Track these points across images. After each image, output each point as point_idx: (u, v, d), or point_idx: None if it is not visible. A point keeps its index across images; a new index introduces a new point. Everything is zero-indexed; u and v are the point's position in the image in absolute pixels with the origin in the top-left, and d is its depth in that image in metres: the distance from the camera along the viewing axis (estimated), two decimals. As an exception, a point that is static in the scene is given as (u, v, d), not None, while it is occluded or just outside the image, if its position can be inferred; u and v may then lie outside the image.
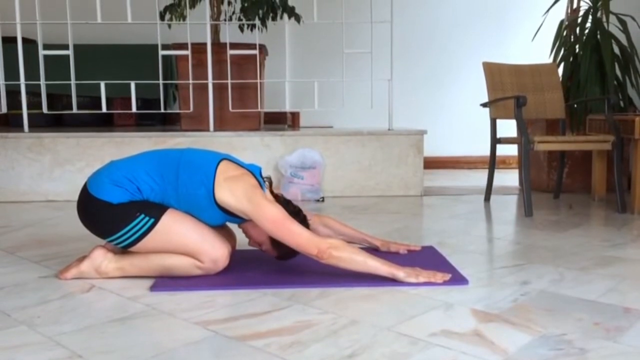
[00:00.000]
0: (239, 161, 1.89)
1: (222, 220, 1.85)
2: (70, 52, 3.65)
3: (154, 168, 1.80)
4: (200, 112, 3.78)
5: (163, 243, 1.77)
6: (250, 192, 1.75)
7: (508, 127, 3.69)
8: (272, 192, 1.90)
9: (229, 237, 1.97)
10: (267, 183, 1.90)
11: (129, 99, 3.74)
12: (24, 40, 3.69)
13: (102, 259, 1.82)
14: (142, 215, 1.75)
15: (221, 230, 1.93)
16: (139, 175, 1.78)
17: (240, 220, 1.85)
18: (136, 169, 1.80)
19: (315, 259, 1.72)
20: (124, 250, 1.95)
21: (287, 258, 1.90)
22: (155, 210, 1.76)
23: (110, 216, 1.76)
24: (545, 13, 3.97)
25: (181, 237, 1.76)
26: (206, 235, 1.79)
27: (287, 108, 4.12)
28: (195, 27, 3.83)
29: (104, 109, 3.76)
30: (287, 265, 1.97)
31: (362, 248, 2.00)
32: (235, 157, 1.94)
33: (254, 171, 1.87)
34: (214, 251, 1.78)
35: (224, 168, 1.80)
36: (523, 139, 3.01)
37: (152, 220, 1.75)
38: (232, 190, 1.75)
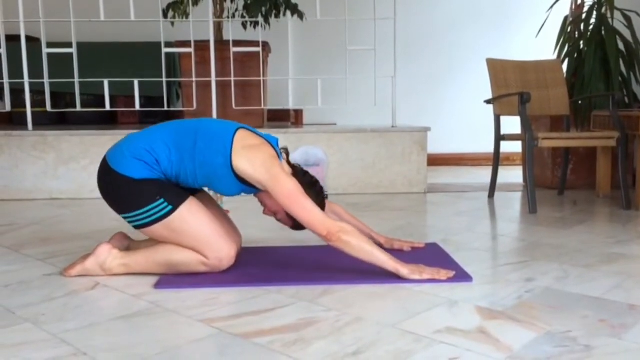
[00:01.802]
0: (256, 131, 1.88)
1: (238, 190, 1.83)
2: (73, 50, 3.66)
3: (171, 138, 1.79)
4: (204, 109, 3.79)
5: (174, 232, 1.76)
6: (269, 163, 1.74)
7: (512, 124, 3.68)
8: (288, 162, 1.90)
9: (236, 236, 1.96)
10: (284, 154, 1.90)
11: (133, 97, 3.75)
12: (28, 38, 3.69)
13: (106, 256, 1.82)
14: (162, 200, 1.74)
15: (229, 228, 1.92)
16: (157, 145, 1.77)
17: (256, 190, 1.83)
18: (154, 140, 1.79)
19: (324, 239, 1.71)
20: (129, 247, 1.95)
21: (302, 228, 1.87)
22: (176, 198, 1.76)
23: (130, 193, 1.75)
24: (549, 9, 3.96)
25: (193, 230, 1.75)
26: (217, 232, 1.78)
27: (291, 105, 4.12)
28: (199, 24, 3.83)
29: (108, 107, 3.76)
30: (290, 263, 1.97)
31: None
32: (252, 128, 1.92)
33: (272, 142, 1.86)
34: (221, 249, 1.78)
35: (242, 136, 1.79)
36: (527, 136, 3.01)
37: (170, 207, 1.74)
38: (250, 160, 1.74)
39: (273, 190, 1.73)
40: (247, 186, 1.80)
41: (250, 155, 1.74)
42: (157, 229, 1.76)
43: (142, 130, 1.87)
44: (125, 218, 1.80)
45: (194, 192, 1.91)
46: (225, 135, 1.77)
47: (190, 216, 1.76)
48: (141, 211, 1.74)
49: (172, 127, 1.84)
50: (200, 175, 1.78)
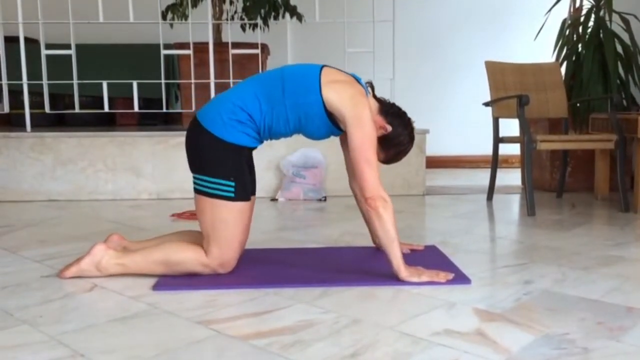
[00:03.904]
0: (339, 69, 1.91)
1: (327, 131, 1.87)
2: (72, 51, 3.65)
3: (260, 89, 1.81)
4: (203, 111, 3.78)
5: (213, 213, 1.77)
6: (357, 99, 1.78)
7: (510, 126, 3.68)
8: (374, 96, 1.92)
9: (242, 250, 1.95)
10: (369, 88, 1.93)
11: (131, 98, 3.75)
12: (26, 39, 3.69)
13: (102, 255, 1.81)
14: (233, 184, 1.77)
15: (245, 242, 1.92)
16: (248, 100, 1.80)
17: (342, 131, 1.86)
18: (245, 94, 1.81)
19: (363, 199, 1.76)
20: (125, 248, 1.95)
21: (390, 162, 1.93)
22: (242, 192, 1.79)
23: (213, 156, 1.77)
24: (547, 12, 3.97)
25: (226, 225, 1.77)
26: (238, 240, 1.81)
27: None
28: (197, 26, 3.83)
29: (106, 109, 3.76)
30: (288, 265, 1.97)
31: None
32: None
33: (357, 78, 1.90)
34: (228, 253, 1.79)
35: (328, 72, 1.84)
36: (526, 138, 3.01)
37: (232, 195, 1.77)
38: (338, 91, 1.78)
39: (351, 125, 1.75)
40: (335, 127, 1.84)
41: (338, 88, 1.79)
42: (206, 201, 1.78)
43: (231, 89, 1.89)
44: (194, 177, 1.82)
45: (253, 191, 1.94)
46: (312, 73, 1.81)
47: (236, 214, 1.78)
48: (210, 179, 1.77)
49: (258, 79, 1.87)
50: (292, 120, 1.82)
